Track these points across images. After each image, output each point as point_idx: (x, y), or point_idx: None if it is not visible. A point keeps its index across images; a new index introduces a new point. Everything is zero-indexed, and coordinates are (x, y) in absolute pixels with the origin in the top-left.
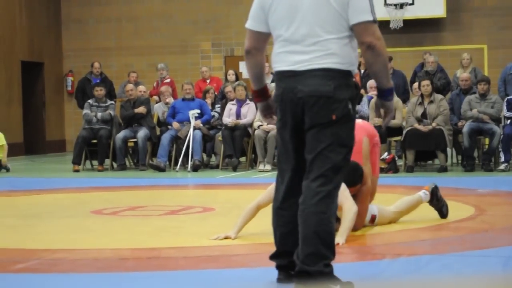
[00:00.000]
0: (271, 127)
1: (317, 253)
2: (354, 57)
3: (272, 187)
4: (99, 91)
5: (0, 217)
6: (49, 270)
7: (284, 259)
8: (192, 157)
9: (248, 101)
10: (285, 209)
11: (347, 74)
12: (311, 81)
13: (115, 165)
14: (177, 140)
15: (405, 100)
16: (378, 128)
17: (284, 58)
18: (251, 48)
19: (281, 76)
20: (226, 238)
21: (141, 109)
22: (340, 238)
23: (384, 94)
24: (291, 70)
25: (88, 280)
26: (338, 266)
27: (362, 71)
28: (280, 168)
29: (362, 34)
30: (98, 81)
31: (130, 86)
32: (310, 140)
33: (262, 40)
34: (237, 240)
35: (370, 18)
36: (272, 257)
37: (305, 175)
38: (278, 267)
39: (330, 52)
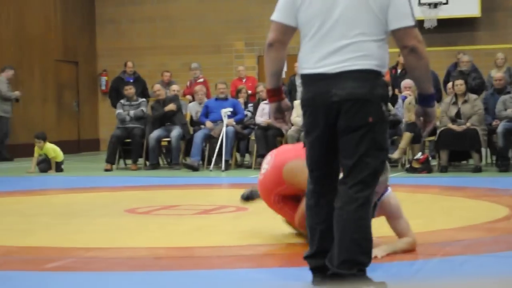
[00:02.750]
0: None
1: (354, 260)
2: (387, 59)
3: None
4: (129, 90)
5: (35, 215)
6: (83, 269)
7: (322, 259)
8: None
9: None
10: (321, 207)
11: (379, 74)
12: (347, 84)
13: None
14: (211, 139)
15: (437, 100)
16: (413, 126)
17: (312, 60)
18: (275, 41)
19: (312, 80)
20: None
21: (170, 107)
22: (380, 251)
23: (426, 100)
24: (322, 73)
25: (123, 278)
26: (371, 266)
27: (399, 70)
28: (310, 171)
29: (405, 38)
30: (131, 80)
31: (157, 86)
32: (346, 145)
33: (288, 34)
34: (269, 239)
35: (412, 23)
36: (308, 257)
37: (341, 179)
38: (314, 268)
39: (365, 53)
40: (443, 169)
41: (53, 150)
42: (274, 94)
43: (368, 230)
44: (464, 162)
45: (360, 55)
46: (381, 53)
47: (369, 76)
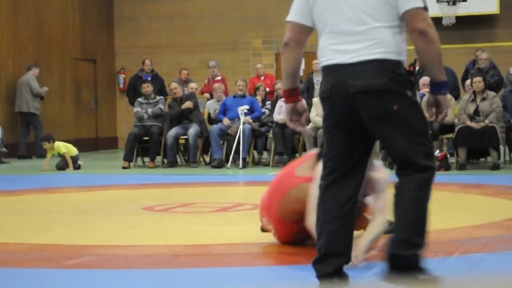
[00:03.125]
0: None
1: (409, 241)
2: (404, 48)
3: None
4: (147, 88)
5: (53, 213)
6: (101, 266)
7: (331, 265)
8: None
9: None
10: (332, 204)
11: (398, 64)
12: (363, 74)
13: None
14: (228, 137)
15: (455, 97)
16: (431, 123)
17: (330, 51)
18: (291, 40)
19: (329, 71)
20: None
21: (187, 104)
22: (358, 256)
23: (437, 87)
24: (338, 64)
25: (140, 276)
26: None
27: (417, 67)
28: (326, 166)
29: (414, 20)
30: (149, 78)
31: (174, 84)
32: (382, 137)
33: (304, 33)
34: None
35: (421, 5)
36: (316, 262)
37: (397, 170)
38: (321, 276)
39: (378, 41)
40: (461, 167)
41: (64, 146)
42: (290, 95)
43: (426, 211)
44: (482, 159)
45: (374, 43)
46: (396, 40)
47: (387, 66)
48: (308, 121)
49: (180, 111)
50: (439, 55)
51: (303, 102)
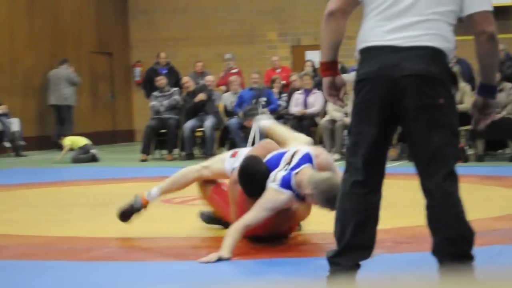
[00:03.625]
0: (338, 116)
1: (466, 255)
2: (454, 47)
3: (259, 207)
4: (161, 81)
5: (72, 206)
6: (121, 258)
7: (350, 260)
8: None
9: (315, 90)
10: (362, 196)
11: (447, 58)
12: (419, 59)
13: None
14: (245, 130)
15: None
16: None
17: (381, 33)
18: (337, 10)
19: (377, 52)
20: (219, 259)
21: (200, 96)
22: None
23: (489, 91)
24: (391, 46)
25: (160, 268)
26: (411, 256)
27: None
28: (353, 156)
29: (484, 23)
30: (164, 71)
31: (186, 78)
32: (418, 130)
33: (351, 5)
34: (312, 226)
35: (490, 8)
36: (335, 256)
37: (426, 171)
38: (341, 270)
39: (438, 33)
40: (479, 158)
41: (68, 140)
42: (329, 68)
43: (468, 223)
44: (500, 151)
45: (433, 33)
46: (451, 36)
47: (441, 55)
48: (324, 113)
49: (193, 104)
50: (499, 60)
51: (341, 76)
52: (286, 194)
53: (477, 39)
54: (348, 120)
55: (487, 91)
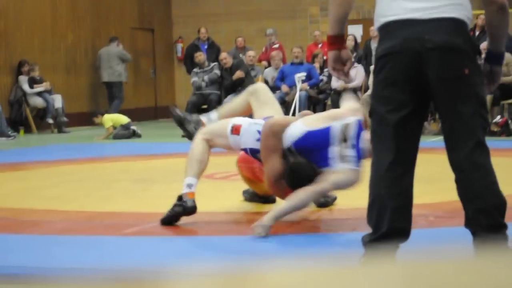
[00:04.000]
0: None
1: (500, 225)
2: (471, 15)
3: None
4: (199, 57)
5: (114, 181)
6: (162, 233)
7: (390, 245)
8: None
9: (356, 64)
10: (398, 179)
11: (468, 27)
12: (441, 30)
13: None
14: (285, 104)
15: None
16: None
17: (400, 8)
18: None
19: (398, 26)
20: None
21: (238, 74)
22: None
23: (497, 58)
24: (412, 19)
25: (201, 243)
26: (452, 230)
27: (477, 32)
28: (383, 137)
29: None
30: (205, 47)
31: (223, 54)
32: (445, 101)
33: None
34: (342, 203)
35: None
36: (374, 240)
37: (454, 143)
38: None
39: (456, 2)
40: None
41: (110, 120)
42: (336, 41)
43: (500, 192)
44: None
45: (452, 3)
46: (469, 5)
47: (463, 25)
48: (366, 87)
49: (231, 82)
50: (508, 29)
51: (348, 50)
52: (359, 173)
53: (487, 9)
54: None
55: (494, 58)
